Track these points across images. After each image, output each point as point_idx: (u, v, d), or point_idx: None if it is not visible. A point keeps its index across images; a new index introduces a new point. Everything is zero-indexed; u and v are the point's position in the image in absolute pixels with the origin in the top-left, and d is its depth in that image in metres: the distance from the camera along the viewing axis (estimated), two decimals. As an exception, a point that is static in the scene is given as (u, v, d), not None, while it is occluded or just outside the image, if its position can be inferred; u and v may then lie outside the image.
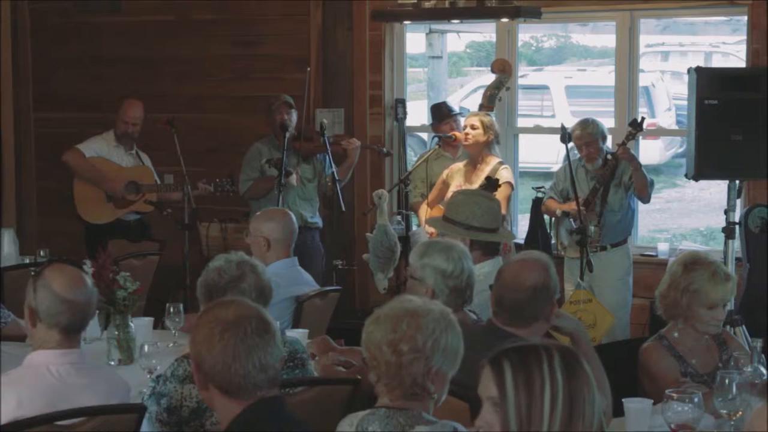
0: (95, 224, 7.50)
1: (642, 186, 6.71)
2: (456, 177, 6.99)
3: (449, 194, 6.87)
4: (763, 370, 3.79)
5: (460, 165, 7.04)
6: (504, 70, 7.29)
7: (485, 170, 6.83)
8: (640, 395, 3.94)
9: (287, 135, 7.10)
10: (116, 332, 4.64)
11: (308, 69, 7.44)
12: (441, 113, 7.54)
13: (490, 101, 7.17)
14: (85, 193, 7.47)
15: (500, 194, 6.34)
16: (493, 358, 2.34)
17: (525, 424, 2.28)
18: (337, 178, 7.01)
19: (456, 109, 7.71)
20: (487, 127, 6.89)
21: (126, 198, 7.46)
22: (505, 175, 6.77)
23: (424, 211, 7.04)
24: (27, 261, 6.56)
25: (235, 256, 4.13)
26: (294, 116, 7.26)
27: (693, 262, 4.19)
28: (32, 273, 3.65)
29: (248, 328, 2.77)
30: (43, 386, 3.46)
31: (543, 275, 3.84)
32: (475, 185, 6.76)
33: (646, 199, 6.85)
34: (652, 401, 3.69)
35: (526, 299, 3.81)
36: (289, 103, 7.26)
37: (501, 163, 6.89)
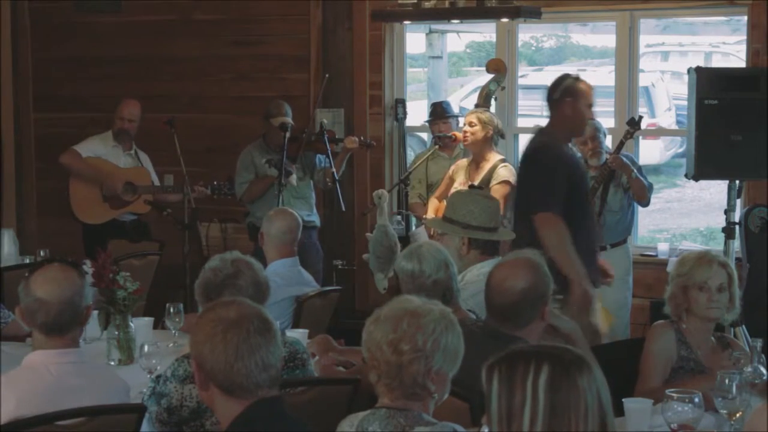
0: (92, 224, 7.50)
1: (640, 192, 6.71)
2: (460, 174, 6.98)
3: (452, 190, 6.88)
4: (763, 370, 3.80)
5: (464, 162, 7.02)
6: (498, 69, 7.28)
7: (486, 167, 6.81)
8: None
9: (286, 135, 7.11)
10: (116, 332, 4.64)
11: (326, 76, 7.41)
12: (435, 113, 7.54)
13: (486, 101, 7.17)
14: (81, 194, 7.47)
15: (498, 193, 6.35)
16: (489, 365, 2.35)
17: (506, 428, 2.31)
18: (337, 178, 7.01)
19: (454, 111, 7.69)
20: (485, 123, 6.83)
21: (122, 198, 7.46)
22: (503, 173, 6.74)
23: (434, 207, 7.02)
24: (27, 261, 6.57)
25: (230, 255, 4.13)
26: (290, 129, 7.23)
27: (685, 254, 4.42)
28: (26, 274, 3.65)
29: (250, 327, 2.78)
30: (43, 386, 3.45)
31: (530, 278, 3.83)
32: (476, 182, 6.78)
33: (645, 203, 6.84)
34: (652, 401, 3.70)
35: (513, 304, 3.82)
36: (287, 125, 7.20)
37: (502, 161, 6.85)
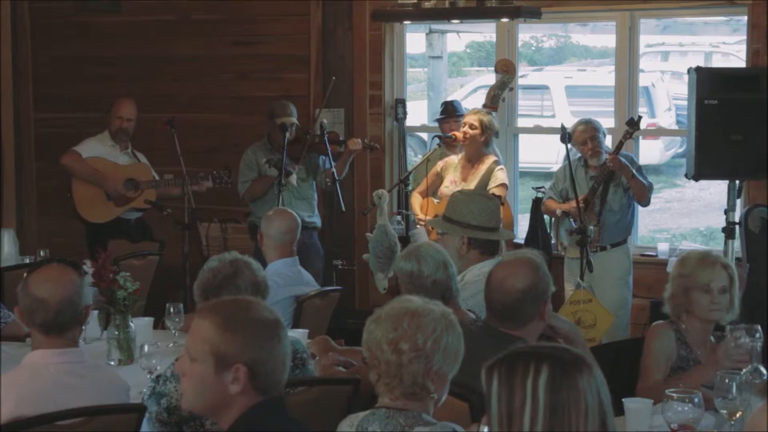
0: (96, 224, 7.50)
1: (639, 192, 6.72)
2: (450, 171, 7.04)
3: (442, 188, 6.94)
4: (763, 370, 3.79)
5: (454, 159, 7.08)
6: (508, 70, 7.28)
7: (481, 169, 6.90)
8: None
9: (287, 136, 7.13)
10: (116, 332, 4.64)
11: (333, 78, 7.42)
12: (447, 111, 7.56)
13: (493, 101, 7.17)
14: (85, 193, 7.47)
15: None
16: (489, 366, 2.36)
17: (506, 428, 2.32)
18: (337, 177, 7.01)
19: (463, 110, 7.70)
20: (486, 127, 6.90)
21: (125, 196, 7.46)
22: (501, 176, 6.84)
23: (417, 201, 7.08)
24: (27, 261, 6.57)
25: (229, 255, 4.16)
26: (294, 129, 7.28)
27: (687, 254, 4.40)
28: (25, 274, 3.66)
29: (283, 325, 2.81)
30: (42, 386, 3.46)
31: (530, 277, 3.84)
32: (471, 183, 6.83)
33: (645, 203, 6.85)
34: (652, 401, 3.70)
35: (514, 303, 3.82)
36: (287, 126, 7.22)
37: (497, 163, 6.92)
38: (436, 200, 7.05)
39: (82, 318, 3.60)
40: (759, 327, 3.98)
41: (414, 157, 10.71)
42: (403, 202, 7.09)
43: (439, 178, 7.08)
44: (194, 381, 2.73)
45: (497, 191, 6.56)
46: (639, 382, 4.22)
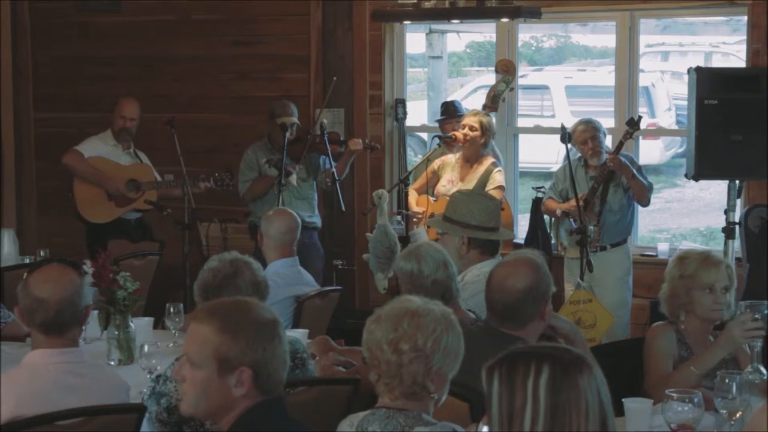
0: (96, 224, 7.50)
1: (639, 192, 6.72)
2: (447, 170, 7.06)
3: (439, 187, 6.95)
4: (763, 370, 3.80)
5: (452, 158, 7.10)
6: (508, 70, 7.29)
7: (480, 170, 6.94)
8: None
9: (287, 136, 7.13)
10: (116, 332, 4.64)
11: (334, 79, 7.41)
12: (448, 111, 7.57)
13: (494, 101, 7.18)
14: (86, 193, 7.47)
15: (493, 197, 6.39)
16: (489, 366, 2.36)
17: (507, 429, 2.32)
18: (337, 177, 7.02)
19: (463, 110, 7.71)
20: (485, 130, 6.94)
21: (127, 196, 7.46)
22: (499, 179, 6.88)
23: (413, 197, 7.10)
24: (27, 261, 6.57)
25: (229, 255, 4.16)
26: (295, 129, 7.30)
27: (685, 254, 4.38)
28: (25, 274, 3.66)
29: (281, 324, 2.80)
30: (42, 385, 3.46)
31: (531, 277, 3.83)
32: (469, 183, 6.85)
33: (645, 203, 6.85)
34: (652, 401, 3.70)
35: (515, 303, 3.82)
36: (287, 126, 7.23)
37: (495, 165, 6.94)
38: (432, 198, 7.07)
39: (82, 318, 3.60)
40: (766, 302, 4.01)
41: (414, 157, 10.72)
42: (403, 202, 7.10)
43: (436, 176, 7.10)
44: (196, 386, 2.71)
45: (494, 194, 6.57)
46: (646, 380, 4.21)
